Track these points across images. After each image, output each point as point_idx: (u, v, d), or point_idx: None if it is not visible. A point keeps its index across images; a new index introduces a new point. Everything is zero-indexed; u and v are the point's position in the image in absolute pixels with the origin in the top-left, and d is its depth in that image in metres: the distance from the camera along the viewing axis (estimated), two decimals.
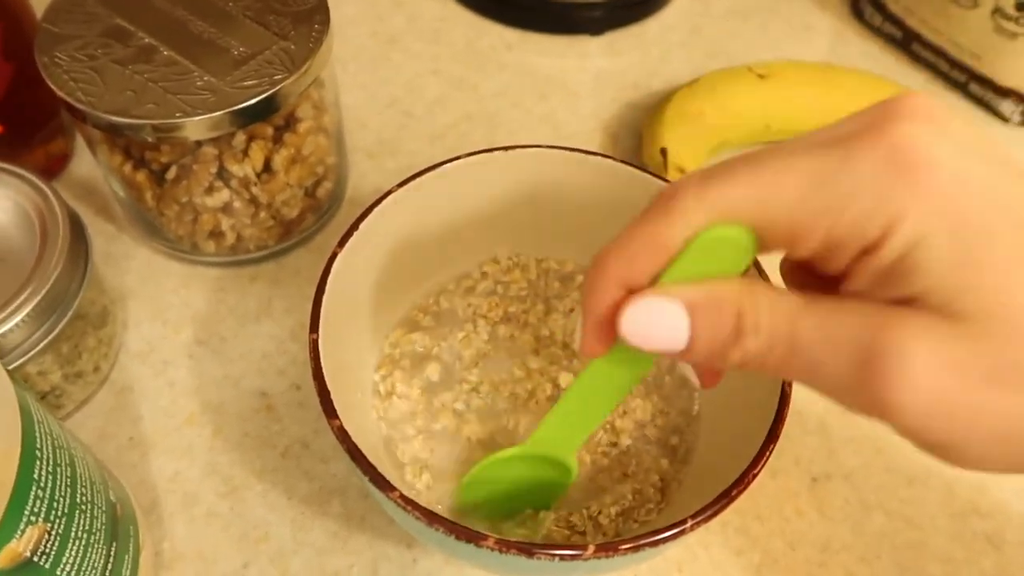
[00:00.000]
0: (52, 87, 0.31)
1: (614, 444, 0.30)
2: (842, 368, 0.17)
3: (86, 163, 0.42)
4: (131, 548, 0.26)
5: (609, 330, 0.20)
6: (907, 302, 0.17)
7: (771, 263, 0.23)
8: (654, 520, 0.28)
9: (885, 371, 0.17)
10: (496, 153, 0.30)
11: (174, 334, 0.36)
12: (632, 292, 0.20)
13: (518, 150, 0.31)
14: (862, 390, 0.17)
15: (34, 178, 0.31)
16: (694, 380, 0.24)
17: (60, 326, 0.29)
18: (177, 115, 0.30)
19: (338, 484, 0.32)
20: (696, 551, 0.31)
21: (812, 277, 0.20)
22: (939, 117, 0.17)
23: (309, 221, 0.38)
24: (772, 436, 0.24)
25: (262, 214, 0.36)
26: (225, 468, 0.32)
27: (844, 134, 0.18)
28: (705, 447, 0.30)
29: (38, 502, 0.20)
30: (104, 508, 0.24)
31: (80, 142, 0.42)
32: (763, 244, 0.19)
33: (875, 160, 0.17)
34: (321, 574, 0.30)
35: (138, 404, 0.34)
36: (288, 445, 0.33)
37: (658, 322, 0.19)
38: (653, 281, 0.20)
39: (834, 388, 0.18)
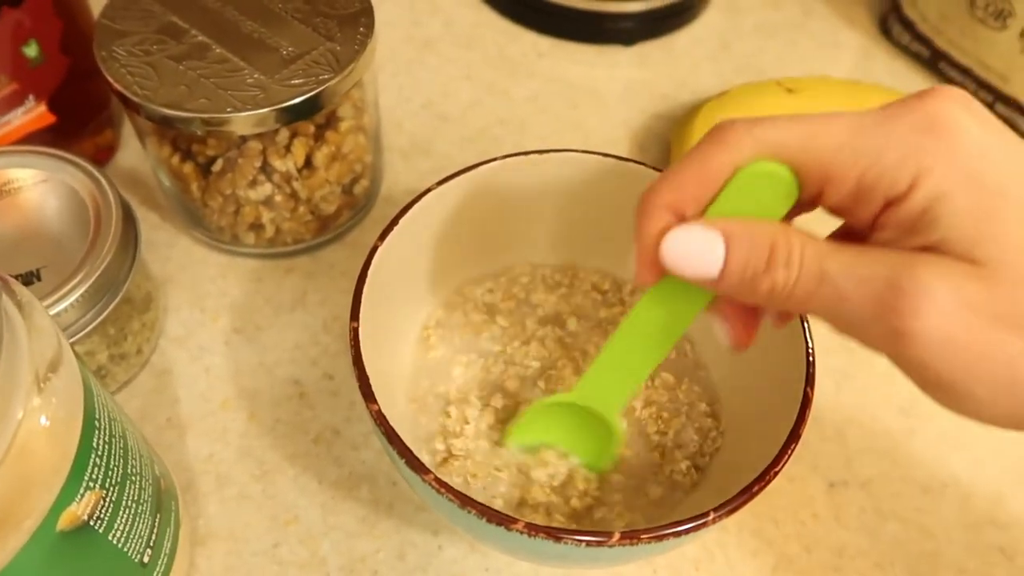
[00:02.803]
0: (109, 79, 0.32)
1: (657, 416, 0.31)
2: (865, 299, 0.19)
3: (130, 155, 0.43)
4: (172, 522, 0.27)
5: (657, 258, 0.22)
6: (930, 250, 0.19)
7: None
8: (691, 499, 0.29)
9: (907, 302, 0.19)
10: (532, 156, 0.31)
11: (212, 321, 0.37)
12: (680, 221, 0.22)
13: (553, 154, 0.32)
14: (882, 320, 0.19)
15: (89, 166, 0.32)
16: (725, 338, 0.24)
17: (109, 308, 0.31)
18: (228, 110, 0.31)
19: (367, 471, 0.33)
20: (713, 550, 0.32)
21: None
22: (970, 101, 0.20)
23: (345, 217, 0.39)
24: (793, 436, 0.25)
25: (301, 209, 0.37)
26: (258, 452, 0.33)
27: (886, 106, 0.20)
28: (730, 425, 0.31)
29: (96, 469, 0.21)
30: (150, 480, 0.25)
31: (125, 134, 0.43)
32: (801, 185, 0.21)
33: (911, 121, 0.20)
34: (350, 557, 0.31)
35: (176, 387, 0.35)
36: (319, 432, 0.34)
37: (696, 246, 0.21)
38: (700, 215, 0.22)
39: (854, 319, 0.20)
